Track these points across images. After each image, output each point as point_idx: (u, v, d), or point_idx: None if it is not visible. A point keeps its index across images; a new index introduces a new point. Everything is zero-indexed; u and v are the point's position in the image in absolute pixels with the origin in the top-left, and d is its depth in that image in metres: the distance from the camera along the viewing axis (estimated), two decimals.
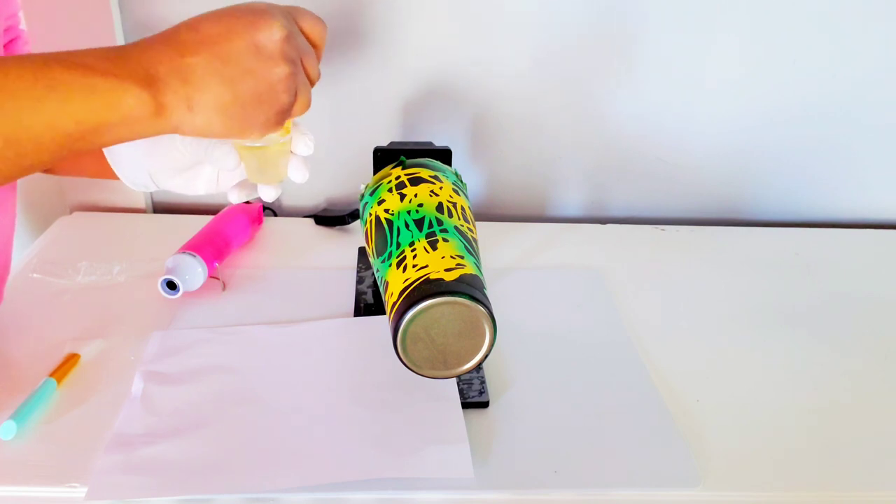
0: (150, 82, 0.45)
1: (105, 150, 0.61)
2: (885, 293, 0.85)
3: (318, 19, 0.52)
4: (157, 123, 0.46)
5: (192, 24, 0.47)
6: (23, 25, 0.71)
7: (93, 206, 0.98)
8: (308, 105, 0.51)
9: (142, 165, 0.59)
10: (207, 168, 0.59)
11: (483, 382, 0.66)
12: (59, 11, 0.85)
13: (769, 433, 0.64)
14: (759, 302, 0.82)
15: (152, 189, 0.62)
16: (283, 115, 0.50)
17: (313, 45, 0.52)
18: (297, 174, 0.58)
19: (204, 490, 0.55)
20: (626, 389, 0.68)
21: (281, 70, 0.47)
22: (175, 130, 0.47)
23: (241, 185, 0.60)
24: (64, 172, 0.74)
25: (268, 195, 0.59)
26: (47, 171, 0.73)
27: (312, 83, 0.52)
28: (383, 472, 0.56)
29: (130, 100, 0.44)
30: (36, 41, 0.74)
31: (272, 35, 0.47)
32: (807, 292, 0.85)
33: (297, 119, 0.58)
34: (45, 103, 0.43)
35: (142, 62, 0.45)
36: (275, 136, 0.57)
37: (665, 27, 0.90)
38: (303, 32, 0.50)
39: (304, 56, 0.50)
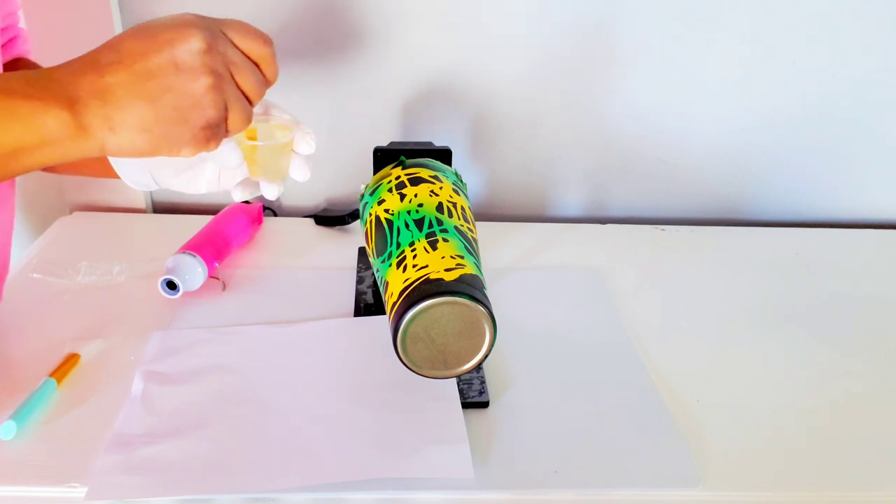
0: (70, 104, 0.45)
1: None
2: (885, 293, 0.85)
3: (255, 32, 0.50)
4: (80, 145, 0.46)
5: (114, 44, 0.46)
6: (22, 24, 0.72)
7: (93, 206, 0.98)
8: (246, 119, 0.50)
9: (143, 165, 0.59)
10: (210, 166, 0.59)
11: (483, 382, 0.66)
12: (59, 11, 0.85)
13: (769, 433, 0.64)
14: (759, 302, 0.82)
15: (154, 188, 0.62)
16: (212, 130, 0.48)
17: (253, 61, 0.50)
18: (299, 173, 0.58)
19: (204, 490, 0.55)
20: (626, 389, 0.68)
21: (202, 83, 0.46)
22: (101, 152, 0.47)
23: (244, 183, 0.60)
24: (66, 172, 0.73)
25: (270, 193, 0.58)
26: (46, 169, 0.73)
27: (252, 98, 0.50)
28: (383, 472, 0.56)
29: (51, 122, 0.44)
30: (36, 41, 0.74)
31: (191, 48, 0.46)
32: (807, 292, 0.85)
33: (299, 118, 0.58)
34: None
35: (63, 84, 0.45)
36: (278, 134, 0.57)
37: (665, 27, 0.90)
38: (235, 46, 0.49)
39: (234, 68, 0.48)
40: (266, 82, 0.51)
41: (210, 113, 0.47)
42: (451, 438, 0.59)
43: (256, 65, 0.50)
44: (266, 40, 0.50)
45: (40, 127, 0.44)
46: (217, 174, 0.60)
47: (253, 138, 0.57)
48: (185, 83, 0.46)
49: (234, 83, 0.49)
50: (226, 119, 0.49)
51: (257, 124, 0.57)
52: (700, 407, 0.66)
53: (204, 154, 0.55)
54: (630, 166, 1.00)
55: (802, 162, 1.00)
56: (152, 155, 0.48)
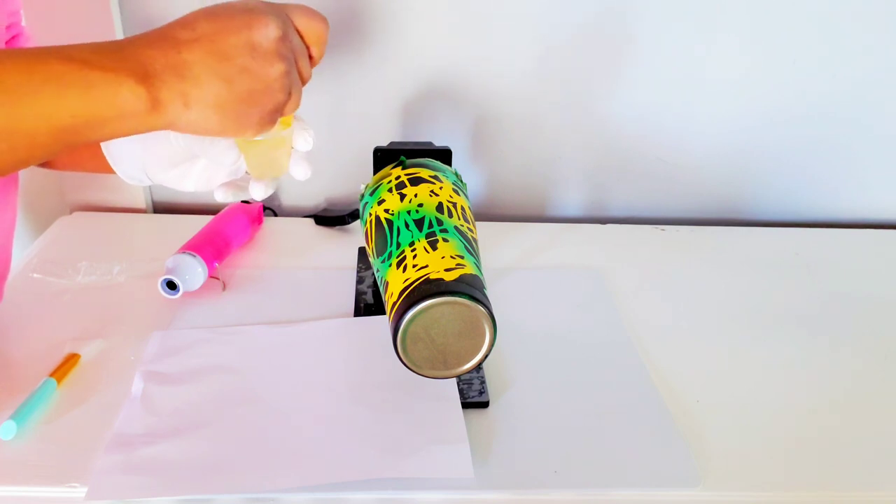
0: (145, 77, 0.45)
1: (102, 144, 0.61)
2: (885, 293, 0.85)
3: (317, 16, 0.52)
4: (152, 119, 0.46)
5: (188, 21, 0.47)
6: (24, 23, 0.72)
7: (93, 206, 0.98)
8: (298, 104, 0.52)
9: (137, 159, 0.59)
10: (200, 164, 0.59)
11: (483, 382, 0.66)
12: (59, 10, 0.85)
13: (769, 433, 0.64)
14: (759, 302, 0.82)
15: (146, 183, 0.61)
16: (276, 114, 0.50)
17: (309, 44, 0.52)
18: (299, 171, 0.58)
19: (204, 490, 0.55)
20: (626, 389, 0.68)
21: (277, 69, 0.47)
22: (170, 126, 0.47)
23: (229, 184, 0.59)
24: (62, 167, 0.73)
25: (258, 193, 0.58)
26: (44, 164, 0.73)
27: (304, 82, 0.52)
28: (383, 472, 0.56)
29: (126, 94, 0.44)
30: (35, 40, 0.74)
31: (268, 34, 0.47)
32: (807, 292, 0.85)
33: (298, 114, 0.58)
34: (40, 96, 0.43)
35: (138, 58, 0.45)
36: (275, 130, 0.56)
37: (665, 27, 0.90)
38: (298, 31, 0.50)
39: (298, 55, 0.50)
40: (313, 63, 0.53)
41: (279, 97, 0.49)
42: (451, 438, 0.59)
43: (307, 47, 0.52)
44: (325, 21, 0.52)
45: (115, 99, 0.44)
46: (207, 172, 0.59)
47: None
48: (262, 67, 0.47)
49: (298, 69, 0.50)
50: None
51: None
52: (700, 407, 0.66)
53: (197, 150, 0.56)
54: (630, 166, 1.00)
55: (802, 162, 1.00)
56: (219, 135, 0.49)
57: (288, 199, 1.02)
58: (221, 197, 0.59)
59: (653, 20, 0.90)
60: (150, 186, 0.98)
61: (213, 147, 0.55)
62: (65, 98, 0.43)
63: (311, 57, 0.53)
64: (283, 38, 0.48)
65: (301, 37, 0.51)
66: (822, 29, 0.91)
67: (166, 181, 0.60)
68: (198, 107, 0.46)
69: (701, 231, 0.99)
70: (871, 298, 0.84)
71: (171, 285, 0.76)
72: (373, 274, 0.75)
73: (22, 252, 0.86)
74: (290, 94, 0.50)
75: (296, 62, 0.50)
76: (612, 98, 0.95)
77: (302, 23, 0.50)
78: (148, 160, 0.59)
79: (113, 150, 0.61)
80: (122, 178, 0.62)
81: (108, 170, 0.62)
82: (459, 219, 0.61)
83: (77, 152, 0.65)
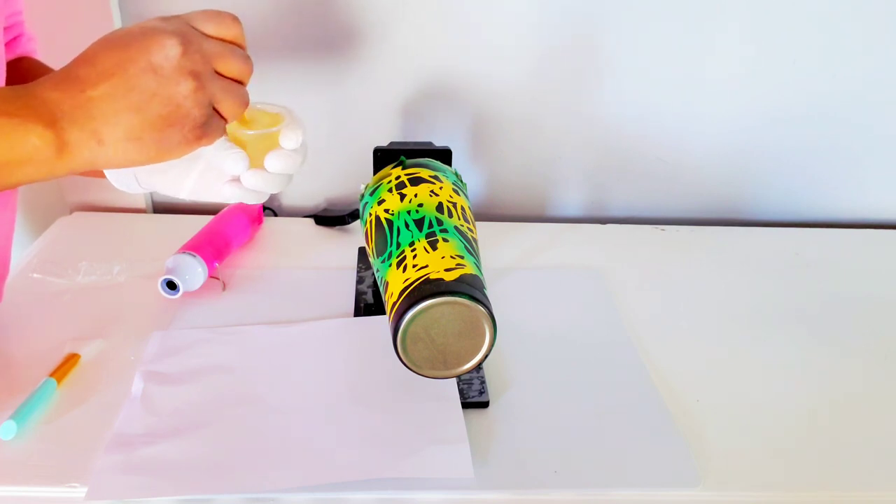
0: (52, 122, 0.45)
1: None
2: (886, 293, 0.85)
3: (222, 16, 0.50)
4: (63, 162, 0.46)
5: (89, 57, 0.46)
6: (26, 24, 0.72)
7: (93, 206, 0.98)
8: (241, 104, 0.50)
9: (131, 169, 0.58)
10: (198, 168, 0.57)
11: (483, 382, 0.66)
12: (59, 11, 0.85)
13: (769, 433, 0.64)
14: (759, 302, 0.82)
15: (137, 190, 0.60)
16: (200, 130, 0.48)
17: (228, 42, 0.50)
18: (275, 163, 0.55)
19: (204, 490, 0.55)
20: (626, 389, 0.68)
21: (185, 87, 0.46)
22: (90, 166, 0.47)
23: (234, 183, 0.57)
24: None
25: (251, 181, 0.56)
26: None
27: (243, 79, 0.50)
28: (383, 472, 0.56)
29: (35, 140, 0.44)
30: (37, 41, 0.74)
31: (168, 53, 0.46)
32: (807, 292, 0.85)
33: (292, 110, 0.57)
34: None
35: (45, 102, 0.45)
36: (265, 121, 0.55)
37: (665, 27, 0.90)
38: (208, 36, 0.49)
39: (215, 59, 0.48)
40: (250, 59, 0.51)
41: (195, 113, 0.47)
42: (451, 438, 0.59)
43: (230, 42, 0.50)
44: (233, 19, 0.50)
45: (23, 145, 0.44)
46: (205, 177, 0.57)
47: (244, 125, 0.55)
48: (168, 88, 0.46)
49: (218, 74, 0.49)
50: (217, 112, 0.49)
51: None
52: (700, 407, 0.66)
53: (196, 153, 0.54)
54: (630, 166, 1.00)
55: (802, 162, 1.00)
56: (146, 163, 0.48)
57: (288, 199, 1.02)
58: (230, 193, 0.57)
59: (653, 20, 0.90)
60: None
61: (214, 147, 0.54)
62: None
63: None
64: (186, 52, 0.46)
65: (216, 38, 0.49)
66: (822, 29, 0.91)
67: (159, 186, 0.59)
68: (112, 142, 0.46)
69: (701, 231, 0.99)
70: (872, 298, 0.84)
71: (171, 285, 0.76)
72: (373, 274, 0.75)
73: (22, 252, 0.86)
74: (210, 104, 0.48)
75: (216, 67, 0.48)
76: (612, 98, 0.95)
77: (210, 28, 0.49)
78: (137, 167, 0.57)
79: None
80: (113, 184, 0.61)
81: (101, 174, 0.61)
82: (459, 219, 0.61)
83: None
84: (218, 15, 0.50)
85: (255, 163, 0.55)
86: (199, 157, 0.56)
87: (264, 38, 0.90)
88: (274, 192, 0.57)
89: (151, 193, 1.00)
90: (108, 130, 0.46)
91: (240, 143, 0.55)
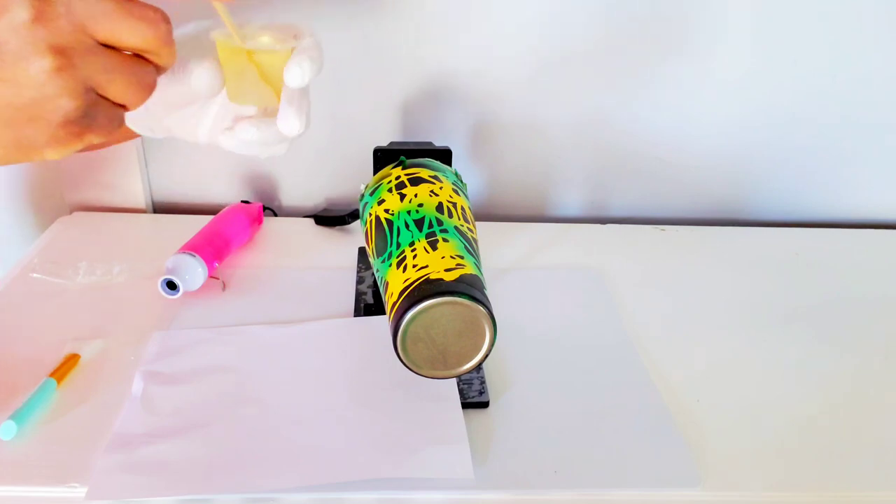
0: None
1: None
2: (886, 293, 0.85)
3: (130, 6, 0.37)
4: None
5: None
6: None
7: (93, 206, 0.98)
8: (141, 86, 0.38)
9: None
10: (216, 105, 0.47)
11: (483, 382, 0.66)
12: None
13: (769, 433, 0.64)
14: (759, 302, 0.82)
15: (155, 132, 0.49)
16: (80, 125, 0.37)
17: (133, 41, 0.38)
18: (287, 121, 0.45)
19: (204, 490, 0.55)
20: (626, 389, 0.68)
21: (38, 66, 0.35)
22: None
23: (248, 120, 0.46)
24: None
25: (249, 133, 0.45)
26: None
27: (147, 48, 0.37)
28: (383, 472, 0.56)
29: None
30: None
31: (12, 21, 0.34)
32: (807, 292, 0.85)
33: (310, 36, 0.46)
34: None
35: None
36: (266, 41, 0.44)
37: (665, 26, 0.90)
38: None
39: (93, 24, 0.36)
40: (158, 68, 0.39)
41: (64, 103, 0.36)
42: (451, 439, 0.59)
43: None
44: (153, 19, 0.37)
45: None
46: (221, 119, 0.47)
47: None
48: (17, 70, 0.35)
49: (104, 47, 0.37)
50: (104, 98, 0.38)
51: (239, 30, 0.43)
52: (700, 407, 0.66)
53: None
54: (630, 166, 1.00)
55: (803, 162, 1.00)
56: (7, 164, 0.39)
57: (288, 199, 1.02)
58: (227, 143, 0.45)
59: (653, 19, 0.90)
60: (150, 185, 0.98)
61: (187, 63, 0.42)
62: None
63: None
64: (40, 17, 0.35)
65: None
66: (822, 29, 0.91)
67: (176, 129, 0.48)
68: None
69: (701, 231, 0.99)
70: (872, 298, 0.84)
71: (171, 285, 0.76)
72: (373, 274, 0.75)
73: (22, 252, 0.86)
74: (90, 90, 0.37)
75: (96, 37, 0.37)
76: (612, 98, 0.95)
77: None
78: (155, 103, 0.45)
79: None
80: (133, 129, 0.50)
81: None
82: (459, 219, 0.61)
83: None
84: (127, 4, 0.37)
85: (242, 93, 0.44)
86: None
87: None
88: (270, 143, 0.45)
89: (151, 194, 1.00)
90: None
91: (236, 61, 0.43)
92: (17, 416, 0.59)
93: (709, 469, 0.59)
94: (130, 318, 0.75)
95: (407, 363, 0.54)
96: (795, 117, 0.97)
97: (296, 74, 0.43)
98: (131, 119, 0.48)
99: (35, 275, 0.81)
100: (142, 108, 0.43)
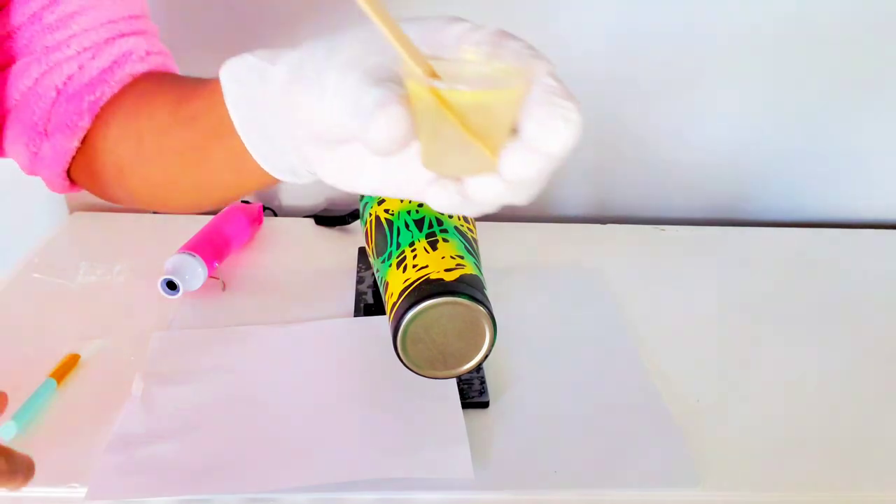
0: None
1: (241, 132, 0.40)
2: (887, 293, 0.85)
3: None
4: None
5: None
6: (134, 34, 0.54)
7: (93, 206, 0.98)
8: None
9: (287, 136, 0.37)
10: None
11: (483, 382, 0.66)
12: None
13: (769, 433, 0.64)
14: (759, 302, 0.82)
15: (304, 178, 0.40)
16: None
17: None
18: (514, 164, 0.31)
19: (204, 490, 0.55)
20: (625, 389, 0.68)
21: None
22: None
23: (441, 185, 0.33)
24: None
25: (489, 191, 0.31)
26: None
27: None
28: (383, 472, 0.56)
29: None
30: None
31: None
32: (807, 292, 0.85)
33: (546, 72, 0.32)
34: None
35: None
36: (477, 73, 0.31)
37: (665, 26, 0.90)
38: None
39: None
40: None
41: None
42: (451, 439, 0.59)
43: None
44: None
45: None
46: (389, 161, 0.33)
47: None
48: None
49: None
50: None
51: (438, 63, 0.30)
52: (700, 407, 0.66)
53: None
54: (630, 166, 1.00)
55: (803, 161, 1.00)
56: None
57: (288, 199, 1.02)
58: (433, 196, 0.33)
59: (653, 20, 0.90)
60: None
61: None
62: None
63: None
64: None
65: None
66: (822, 28, 0.91)
67: (327, 171, 0.38)
68: None
69: (701, 231, 0.99)
70: (872, 298, 0.84)
71: (171, 285, 0.76)
72: (373, 274, 0.75)
73: (22, 252, 0.86)
74: None
75: None
76: (611, 97, 0.95)
77: None
78: (301, 134, 0.36)
79: (253, 135, 0.39)
80: (271, 173, 0.40)
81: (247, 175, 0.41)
82: (459, 219, 0.61)
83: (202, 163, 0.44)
84: None
85: (440, 160, 0.31)
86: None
87: (263, 36, 0.90)
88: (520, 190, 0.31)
89: None
90: None
91: (441, 115, 0.29)
92: (17, 416, 0.59)
93: (708, 469, 0.59)
94: (130, 318, 0.75)
95: (407, 363, 0.54)
96: (796, 116, 0.97)
97: (559, 132, 0.30)
98: (276, 166, 0.39)
99: (35, 275, 0.81)
100: (289, 149, 0.34)
